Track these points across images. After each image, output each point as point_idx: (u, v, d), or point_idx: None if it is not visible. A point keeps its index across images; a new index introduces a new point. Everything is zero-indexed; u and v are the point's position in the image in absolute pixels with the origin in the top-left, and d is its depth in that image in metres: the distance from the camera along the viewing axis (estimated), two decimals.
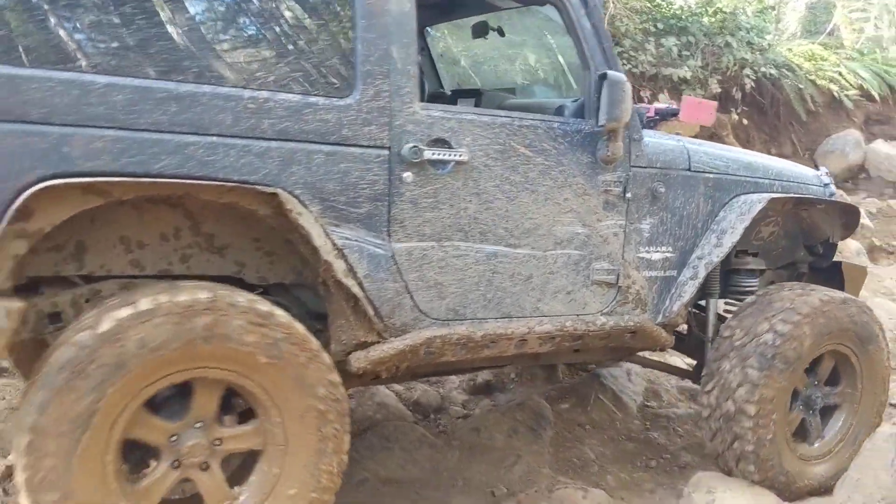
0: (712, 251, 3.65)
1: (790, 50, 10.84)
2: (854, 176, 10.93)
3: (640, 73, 8.58)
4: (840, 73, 11.21)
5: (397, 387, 4.87)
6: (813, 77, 10.80)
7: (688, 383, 5.30)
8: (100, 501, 2.42)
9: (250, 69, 2.64)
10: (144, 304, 2.42)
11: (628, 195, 3.40)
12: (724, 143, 9.53)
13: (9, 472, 3.60)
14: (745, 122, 9.85)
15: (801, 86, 10.39)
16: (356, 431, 4.40)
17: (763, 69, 9.75)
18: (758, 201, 3.73)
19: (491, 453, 4.30)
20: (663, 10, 9.09)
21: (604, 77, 3.11)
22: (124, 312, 2.40)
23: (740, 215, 3.68)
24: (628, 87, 3.17)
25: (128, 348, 2.38)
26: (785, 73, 10.18)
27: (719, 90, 9.27)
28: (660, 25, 8.77)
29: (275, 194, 2.60)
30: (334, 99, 2.75)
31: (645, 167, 3.46)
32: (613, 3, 7.61)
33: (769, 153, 10.45)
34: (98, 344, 2.36)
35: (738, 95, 9.56)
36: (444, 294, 3.04)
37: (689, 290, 3.63)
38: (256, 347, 2.56)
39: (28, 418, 2.33)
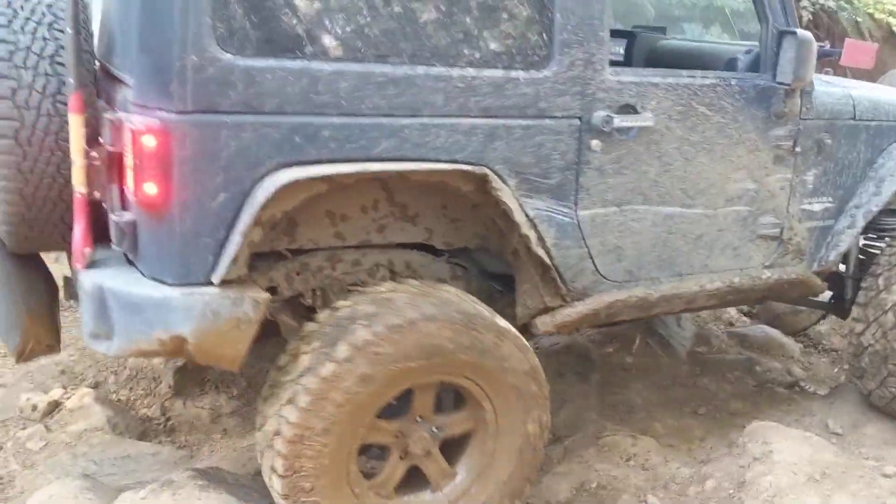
0: (871, 200, 3.61)
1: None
2: None
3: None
4: None
5: None
6: (871, 10, 10.38)
7: (739, 329, 5.16)
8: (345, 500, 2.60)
9: (457, 47, 2.59)
10: (392, 318, 2.49)
11: (797, 149, 3.36)
12: None
13: (51, 408, 3.59)
14: None
15: (858, 19, 9.98)
16: None
17: (821, 1, 9.31)
18: None
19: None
20: None
21: (787, 34, 3.10)
22: (376, 328, 2.47)
23: None
24: (815, 46, 3.12)
25: (380, 361, 2.47)
26: (843, 5, 9.76)
27: None
28: None
29: (478, 171, 2.63)
30: (533, 72, 2.70)
31: (814, 119, 3.40)
32: None
33: None
34: (353, 356, 2.44)
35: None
36: (622, 257, 3.07)
37: (847, 239, 3.61)
38: (492, 359, 2.67)
39: (291, 416, 2.43)
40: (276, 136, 2.33)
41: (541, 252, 2.82)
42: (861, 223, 3.61)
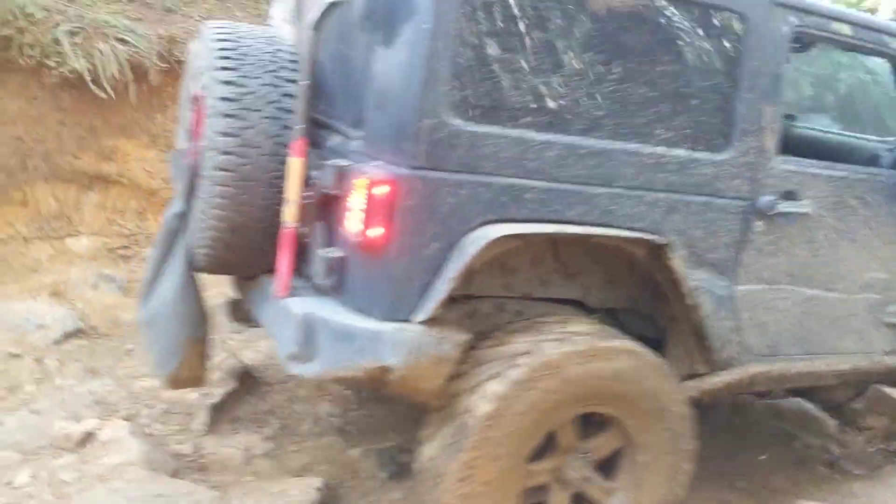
0: None
1: None
2: None
3: None
4: None
5: None
6: None
7: (773, 399, 5.06)
8: None
9: (653, 126, 2.82)
10: (550, 351, 2.67)
11: None
12: None
13: (84, 439, 3.52)
14: None
15: None
16: None
17: None
18: None
19: None
20: None
21: None
22: (537, 361, 2.65)
23: None
24: None
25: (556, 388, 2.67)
26: None
27: None
28: None
29: (658, 242, 2.85)
30: (713, 154, 2.94)
31: None
32: None
33: None
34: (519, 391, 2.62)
35: None
36: (766, 332, 3.24)
37: None
38: (647, 394, 2.86)
39: (461, 454, 2.59)
40: (487, 195, 2.57)
41: (699, 320, 3.00)
42: None
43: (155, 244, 3.17)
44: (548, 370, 2.65)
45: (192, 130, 3.11)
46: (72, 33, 5.27)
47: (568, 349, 2.69)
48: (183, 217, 3.03)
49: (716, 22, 2.88)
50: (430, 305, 2.54)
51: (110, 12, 5.59)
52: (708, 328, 3.03)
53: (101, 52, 5.28)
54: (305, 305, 2.63)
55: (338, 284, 2.65)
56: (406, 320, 2.56)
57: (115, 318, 4.67)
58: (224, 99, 2.72)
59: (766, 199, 3.05)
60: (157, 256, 3.13)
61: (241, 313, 3.59)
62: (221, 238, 2.83)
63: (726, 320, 3.08)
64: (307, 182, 2.68)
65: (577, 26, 2.66)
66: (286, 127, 2.75)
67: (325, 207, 2.70)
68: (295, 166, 2.65)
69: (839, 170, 3.32)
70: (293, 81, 2.79)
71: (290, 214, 2.67)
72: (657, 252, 2.88)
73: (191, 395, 3.88)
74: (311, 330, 2.57)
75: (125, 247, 5.54)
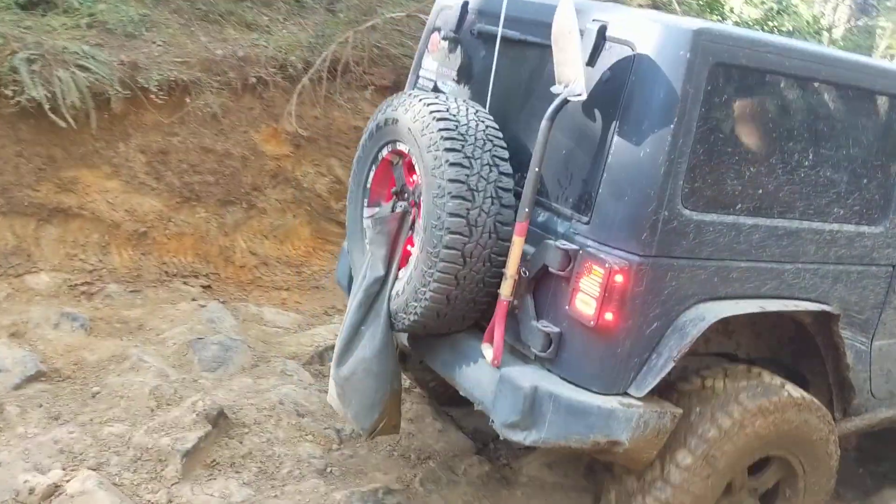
0: None
1: None
2: None
3: None
4: None
5: (456, 412, 4.53)
6: None
7: None
8: None
9: (831, 206, 3.11)
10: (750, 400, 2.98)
11: None
12: None
13: (50, 492, 3.28)
14: None
15: None
16: (418, 459, 4.10)
17: None
18: None
19: (565, 493, 3.97)
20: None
21: None
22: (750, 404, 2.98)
23: None
24: None
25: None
26: None
27: None
28: None
29: (830, 312, 3.14)
30: (873, 228, 3.25)
31: None
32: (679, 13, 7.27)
33: None
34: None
35: None
36: (889, 380, 3.58)
37: None
38: (820, 436, 3.19)
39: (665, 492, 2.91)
40: (703, 277, 2.83)
41: (844, 372, 3.31)
42: None
43: (353, 307, 3.34)
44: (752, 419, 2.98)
45: (382, 193, 3.40)
46: (30, 61, 5.05)
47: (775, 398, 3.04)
48: (384, 282, 3.25)
49: (878, 106, 3.21)
50: (652, 381, 2.79)
51: (70, 38, 5.38)
52: (850, 381, 3.34)
53: (60, 79, 5.06)
54: (531, 378, 2.82)
55: (553, 357, 2.86)
56: (622, 393, 2.82)
57: (78, 359, 4.41)
58: (453, 181, 2.84)
59: None
60: (355, 319, 3.31)
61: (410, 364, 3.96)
62: (437, 308, 3.02)
63: (863, 372, 3.41)
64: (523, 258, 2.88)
65: (784, 123, 2.99)
66: (504, 205, 2.91)
67: (539, 282, 2.91)
68: (517, 245, 2.84)
69: None
70: (505, 160, 2.95)
71: (508, 289, 2.89)
72: (824, 318, 3.18)
73: (162, 440, 3.65)
74: (537, 402, 2.77)
75: (87, 283, 5.28)
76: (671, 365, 2.78)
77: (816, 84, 3.03)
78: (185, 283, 5.62)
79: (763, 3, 9.31)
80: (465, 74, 3.46)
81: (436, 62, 3.65)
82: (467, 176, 2.86)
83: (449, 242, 2.86)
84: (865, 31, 13.60)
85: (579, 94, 2.70)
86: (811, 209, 3.06)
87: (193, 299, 5.33)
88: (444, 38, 3.57)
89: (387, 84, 6.57)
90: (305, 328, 5.21)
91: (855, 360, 3.33)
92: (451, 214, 2.85)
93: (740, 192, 2.89)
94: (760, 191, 2.94)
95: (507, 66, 3.21)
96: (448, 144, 2.88)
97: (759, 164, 2.94)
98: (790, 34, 9.29)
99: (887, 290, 3.36)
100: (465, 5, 3.48)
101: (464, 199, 2.85)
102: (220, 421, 3.85)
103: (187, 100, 5.69)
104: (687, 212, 2.75)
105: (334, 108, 6.31)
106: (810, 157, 3.04)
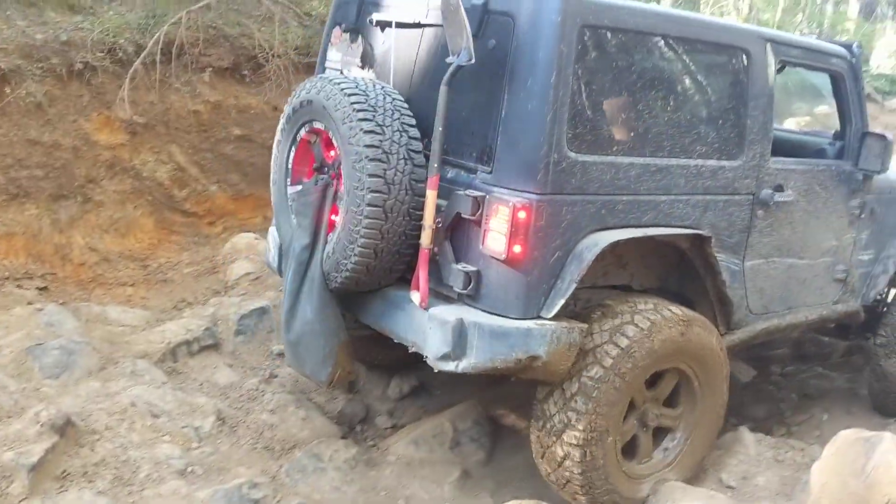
0: None
1: None
2: None
3: None
4: None
5: (319, 398, 4.48)
6: None
7: None
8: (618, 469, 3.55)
9: (694, 145, 3.61)
10: (645, 320, 3.43)
11: (862, 215, 4.51)
12: None
13: None
14: None
15: None
16: (282, 450, 4.04)
17: None
18: None
19: (432, 467, 4.02)
20: None
21: (872, 135, 4.28)
22: (640, 325, 3.40)
23: None
24: (892, 143, 4.27)
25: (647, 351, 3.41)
26: None
27: None
28: None
29: (702, 234, 3.63)
30: (732, 162, 3.75)
31: (872, 193, 4.52)
32: None
33: None
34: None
35: None
36: (763, 296, 4.11)
37: (883, 281, 4.81)
38: (708, 346, 3.66)
39: (582, 405, 3.32)
40: (592, 210, 3.28)
41: (722, 291, 3.80)
42: (892, 269, 4.80)
43: (289, 277, 3.66)
44: (650, 334, 3.39)
45: (303, 171, 3.72)
46: None
47: (665, 316, 3.48)
48: (313, 248, 3.58)
49: (730, 59, 3.74)
50: (559, 303, 3.23)
51: None
52: (729, 297, 3.83)
53: None
54: (455, 313, 3.21)
55: (473, 293, 3.25)
56: (536, 317, 3.23)
57: None
58: (369, 146, 3.21)
59: (766, 192, 3.90)
60: (292, 287, 3.64)
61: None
62: (366, 262, 3.36)
63: (739, 290, 3.92)
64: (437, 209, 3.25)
65: (646, 74, 3.46)
66: (416, 165, 3.30)
67: (454, 230, 3.31)
68: (431, 198, 3.22)
69: (807, 164, 4.20)
70: (413, 126, 3.34)
71: (427, 238, 3.25)
72: (698, 242, 3.63)
73: (5, 455, 3.41)
74: (463, 332, 3.17)
75: None
76: (573, 287, 3.23)
77: (670, 40, 3.54)
78: (18, 286, 5.26)
79: None
80: (368, 60, 3.88)
81: (339, 53, 4.05)
82: (381, 141, 3.23)
83: (371, 200, 3.22)
84: (689, 1, 14.31)
85: (469, 60, 3.09)
86: (677, 148, 3.54)
87: (29, 303, 4.98)
88: (345, 31, 3.98)
89: (226, 65, 6.38)
90: (154, 325, 4.98)
91: (731, 279, 3.83)
92: (371, 175, 3.21)
93: (616, 136, 3.37)
94: (632, 133, 3.41)
95: (404, 47, 3.61)
96: (361, 115, 3.25)
97: (629, 111, 3.41)
98: None
99: (750, 215, 3.87)
100: (362, 1, 3.89)
101: (380, 161, 3.22)
102: (67, 430, 3.64)
103: (7, 89, 5.29)
104: (573, 154, 3.19)
105: (171, 92, 6.05)
106: (671, 102, 3.56)
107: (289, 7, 6.83)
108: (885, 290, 4.92)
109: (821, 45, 4.42)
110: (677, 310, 3.56)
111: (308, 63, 6.75)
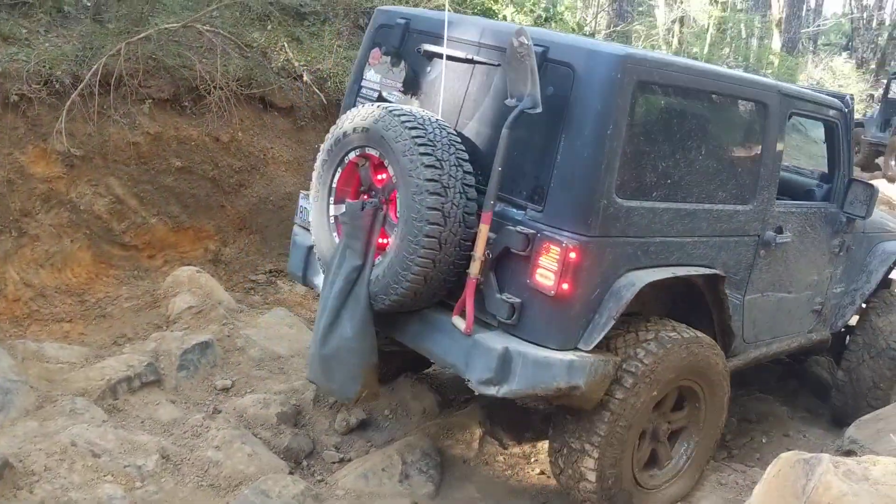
0: (864, 286, 5.19)
1: None
2: None
3: None
4: None
5: (265, 433, 4.42)
6: None
7: None
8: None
9: (714, 191, 3.90)
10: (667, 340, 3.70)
11: (840, 252, 4.90)
12: None
13: None
14: None
15: None
16: (229, 487, 3.97)
17: None
18: (892, 251, 5.30)
19: (382, 501, 3.99)
20: None
21: (858, 182, 4.72)
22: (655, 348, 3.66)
23: (882, 261, 5.25)
24: (877, 192, 4.69)
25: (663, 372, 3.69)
26: None
27: None
28: None
29: (718, 274, 3.91)
30: (745, 206, 4.06)
31: (849, 233, 4.92)
32: None
33: None
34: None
35: None
36: (755, 326, 4.43)
37: (850, 311, 5.19)
38: (716, 367, 3.96)
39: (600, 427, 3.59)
40: (630, 251, 3.54)
41: (725, 322, 4.07)
42: (858, 302, 5.19)
43: (334, 293, 3.73)
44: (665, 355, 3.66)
45: (346, 192, 3.81)
46: None
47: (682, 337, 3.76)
48: (361, 269, 3.68)
49: (752, 111, 4.07)
50: (598, 337, 3.46)
51: None
52: (731, 328, 4.10)
53: None
54: (501, 341, 3.40)
55: (516, 322, 3.43)
56: (574, 349, 3.45)
57: None
58: (430, 180, 3.37)
59: (769, 234, 4.23)
60: (334, 305, 3.73)
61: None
62: (416, 288, 3.50)
63: (738, 321, 4.21)
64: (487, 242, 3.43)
65: (686, 126, 3.74)
66: (469, 199, 3.46)
67: (500, 262, 3.48)
68: (484, 232, 3.40)
69: (802, 207, 4.57)
70: (467, 161, 3.51)
71: (476, 268, 3.43)
72: (713, 280, 3.92)
73: None
74: (508, 360, 3.35)
75: None
76: (612, 323, 3.47)
77: (710, 94, 3.86)
78: None
79: (532, 11, 9.82)
80: (411, 86, 3.99)
81: (378, 74, 4.15)
82: (440, 175, 3.39)
83: (429, 231, 3.38)
84: (623, 35, 14.72)
85: (535, 108, 3.30)
86: (704, 194, 3.84)
87: None
88: (387, 54, 4.09)
89: (166, 97, 6.31)
90: (94, 361, 4.86)
91: (733, 312, 4.12)
92: (430, 208, 3.37)
93: (655, 183, 3.62)
94: (669, 181, 3.67)
95: (453, 80, 3.79)
96: (422, 150, 3.41)
97: (668, 160, 3.66)
98: None
99: (754, 255, 4.20)
100: (406, 25, 4.04)
101: (439, 195, 3.38)
102: (4, 472, 3.53)
103: None
104: (619, 200, 3.44)
105: (110, 123, 5.95)
106: (703, 151, 3.82)
107: (230, 38, 6.80)
108: (848, 320, 5.29)
109: (822, 98, 4.72)
110: (693, 331, 3.84)
111: (249, 94, 6.75)
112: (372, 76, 4.17)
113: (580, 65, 3.38)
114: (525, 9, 9.65)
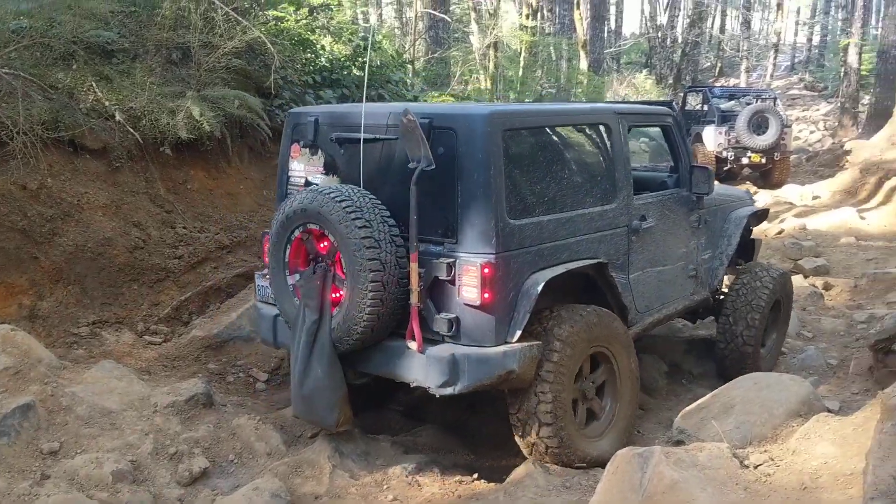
0: (727, 248, 6.35)
1: (430, 100, 11.49)
2: None
3: None
4: None
5: (101, 494, 4.16)
6: None
7: None
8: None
9: (586, 197, 4.87)
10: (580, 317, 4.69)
11: (700, 225, 6.03)
12: None
13: None
14: None
15: None
16: None
17: None
18: (744, 215, 6.53)
19: None
20: (315, 62, 9.14)
21: (697, 168, 5.87)
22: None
23: (736, 225, 6.44)
24: (713, 173, 5.93)
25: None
26: None
27: None
28: (317, 77, 8.81)
29: (602, 262, 4.84)
30: (611, 205, 5.03)
31: (703, 208, 6.04)
32: (275, 54, 7.42)
33: None
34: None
35: None
36: (644, 298, 5.42)
37: (721, 272, 6.35)
38: (618, 333, 4.89)
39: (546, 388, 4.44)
40: (529, 258, 4.42)
41: (619, 300, 5.01)
42: (726, 262, 6.31)
43: (301, 345, 4.50)
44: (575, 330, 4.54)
45: (297, 262, 4.62)
46: None
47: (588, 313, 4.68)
48: (320, 322, 4.46)
49: (597, 132, 5.12)
50: (519, 329, 4.30)
51: None
52: (624, 303, 5.06)
53: None
54: (447, 350, 4.24)
55: (455, 333, 4.29)
56: (504, 342, 4.29)
57: None
58: (364, 237, 4.19)
59: (635, 223, 5.21)
60: (304, 355, 4.51)
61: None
62: (372, 325, 4.28)
63: (629, 296, 5.17)
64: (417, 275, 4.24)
65: (548, 155, 4.77)
66: (398, 246, 4.28)
67: (432, 289, 4.32)
68: (414, 269, 4.23)
69: (659, 196, 5.59)
70: (389, 216, 4.33)
71: (415, 298, 4.25)
72: (600, 267, 4.83)
73: None
74: (456, 363, 4.20)
75: None
76: (528, 316, 4.31)
77: (558, 127, 4.99)
78: None
79: (351, 41, 9.89)
80: (330, 167, 4.84)
81: (301, 164, 4.98)
82: (371, 233, 4.21)
83: (373, 278, 4.19)
84: (441, 61, 15.08)
85: (430, 166, 4.15)
86: (576, 202, 4.78)
87: None
88: (305, 146, 4.93)
89: None
90: None
91: (623, 290, 5.04)
92: (369, 259, 4.18)
93: (536, 202, 4.53)
94: (546, 198, 4.59)
95: (367, 155, 4.58)
96: (353, 216, 4.21)
97: (541, 182, 4.59)
98: (380, 68, 9.99)
99: (628, 241, 5.18)
100: (316, 121, 4.88)
101: (374, 247, 4.20)
102: None
103: None
104: (512, 221, 4.32)
105: None
106: (567, 171, 4.82)
107: (31, 80, 6.42)
108: (722, 278, 6.45)
109: (652, 109, 6.00)
110: (598, 308, 4.78)
111: (57, 138, 6.39)
112: (296, 166, 5.01)
113: (459, 126, 4.30)
114: (343, 39, 9.72)
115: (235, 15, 6.97)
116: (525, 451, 4.60)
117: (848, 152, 18.22)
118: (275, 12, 8.82)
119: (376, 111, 4.75)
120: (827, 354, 6.98)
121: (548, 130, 4.82)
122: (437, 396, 4.28)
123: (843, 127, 26.35)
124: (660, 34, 39.72)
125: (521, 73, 19.61)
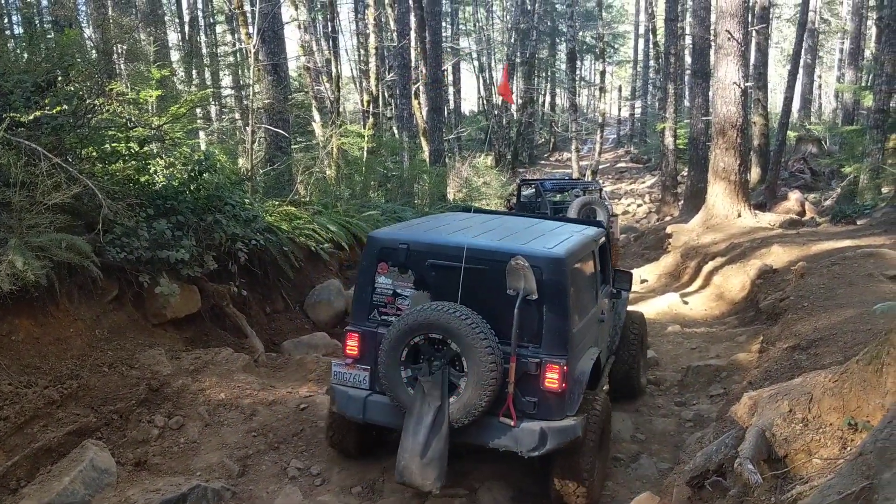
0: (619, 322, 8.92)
1: (270, 214, 11.42)
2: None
3: (137, 259, 8.25)
4: (314, 230, 12.21)
5: None
6: (293, 236, 11.51)
7: None
8: None
9: (589, 303, 6.82)
10: None
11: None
12: (224, 312, 9.64)
13: None
14: (243, 292, 10.05)
15: (285, 247, 10.98)
16: None
17: (253, 240, 10.09)
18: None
19: None
20: (146, 188, 8.96)
21: (618, 271, 8.71)
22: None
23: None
24: (631, 275, 9.16)
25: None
26: (270, 237, 10.63)
27: (215, 266, 9.25)
28: (150, 211, 8.56)
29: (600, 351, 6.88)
30: (595, 305, 7.01)
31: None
32: (104, 201, 7.21)
33: (264, 311, 10.83)
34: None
35: (234, 269, 9.76)
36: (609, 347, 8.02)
37: (617, 339, 8.78)
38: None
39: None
40: (578, 355, 6.27)
41: (602, 378, 7.28)
42: (617, 341, 8.76)
43: (426, 424, 5.78)
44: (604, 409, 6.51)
45: (407, 363, 5.98)
46: None
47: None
48: (440, 408, 5.79)
49: (594, 253, 7.24)
50: (576, 406, 5.94)
51: None
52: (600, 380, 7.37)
53: None
54: (535, 425, 5.76)
55: (535, 412, 5.83)
56: (567, 416, 5.88)
57: None
58: (486, 347, 5.69)
59: (602, 315, 7.33)
60: (427, 430, 5.77)
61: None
62: (485, 407, 5.74)
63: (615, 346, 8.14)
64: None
65: (584, 279, 6.60)
66: (501, 351, 5.76)
67: (520, 380, 5.82)
68: (513, 367, 5.77)
69: (605, 293, 7.69)
70: (491, 329, 5.78)
71: (511, 387, 5.78)
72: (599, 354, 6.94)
73: None
74: (543, 433, 5.74)
75: None
76: (581, 398, 6.02)
77: (586, 257, 6.75)
78: None
79: (185, 165, 9.74)
80: (420, 285, 6.15)
81: (389, 279, 6.23)
82: (490, 343, 5.68)
83: (493, 375, 5.67)
84: (287, 169, 15.03)
85: (534, 296, 5.76)
86: (589, 307, 6.76)
87: None
88: (394, 266, 6.19)
89: None
90: None
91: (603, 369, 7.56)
92: (490, 362, 5.67)
93: (580, 313, 6.33)
94: (580, 308, 6.34)
95: (450, 278, 6.00)
96: (477, 331, 5.67)
97: (582, 299, 6.42)
98: (218, 186, 9.90)
99: (598, 329, 7.22)
100: (407, 250, 6.15)
101: (492, 353, 5.68)
102: None
103: None
104: (573, 331, 5.94)
105: None
106: (588, 287, 6.72)
107: None
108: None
109: (600, 234, 7.82)
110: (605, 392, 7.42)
111: None
112: (383, 280, 6.24)
113: (543, 265, 5.85)
114: (176, 169, 9.61)
115: (62, 163, 6.78)
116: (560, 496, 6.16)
117: (670, 236, 19.64)
118: (106, 146, 8.64)
119: (477, 245, 6.06)
120: (659, 458, 7.41)
121: (582, 259, 6.51)
122: (526, 458, 5.78)
123: (666, 203, 28.43)
124: (496, 112, 41.58)
125: (364, 157, 19.97)
